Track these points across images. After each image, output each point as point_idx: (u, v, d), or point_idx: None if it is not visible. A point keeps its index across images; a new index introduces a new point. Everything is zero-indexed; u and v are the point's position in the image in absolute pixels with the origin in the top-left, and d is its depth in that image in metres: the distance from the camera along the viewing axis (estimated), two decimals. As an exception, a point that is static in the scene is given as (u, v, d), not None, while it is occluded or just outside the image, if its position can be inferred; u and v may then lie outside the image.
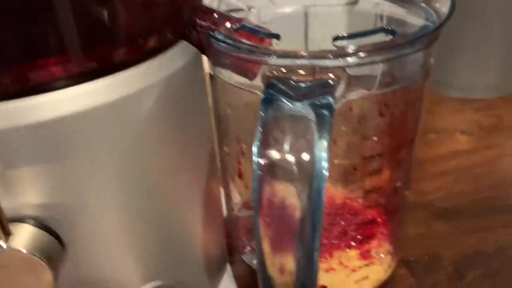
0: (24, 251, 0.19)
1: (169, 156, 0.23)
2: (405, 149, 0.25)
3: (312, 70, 0.21)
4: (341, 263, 0.29)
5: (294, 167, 0.19)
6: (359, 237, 0.28)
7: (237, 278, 0.32)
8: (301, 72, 0.21)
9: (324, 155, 0.19)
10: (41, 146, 0.19)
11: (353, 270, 0.29)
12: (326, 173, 0.19)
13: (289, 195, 0.20)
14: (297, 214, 0.20)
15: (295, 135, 0.20)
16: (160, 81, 0.21)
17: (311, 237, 0.20)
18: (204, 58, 0.25)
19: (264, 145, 0.20)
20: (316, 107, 0.20)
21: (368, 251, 0.28)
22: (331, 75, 0.21)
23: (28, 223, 0.20)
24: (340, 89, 0.21)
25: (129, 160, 0.21)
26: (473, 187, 0.42)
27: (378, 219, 0.27)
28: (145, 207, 0.23)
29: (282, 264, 0.22)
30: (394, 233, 0.30)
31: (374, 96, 0.26)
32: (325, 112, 0.20)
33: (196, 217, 0.26)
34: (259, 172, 0.20)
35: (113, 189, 0.21)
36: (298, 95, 0.20)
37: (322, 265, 0.29)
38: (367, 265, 0.29)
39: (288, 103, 0.20)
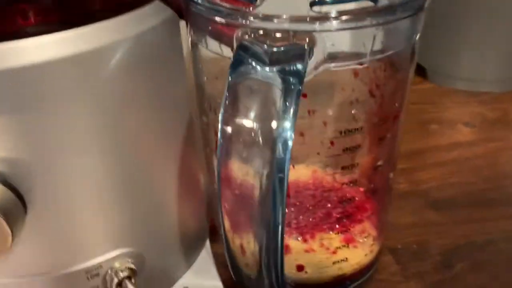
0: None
1: (143, 117, 0.23)
2: (388, 125, 0.24)
3: (288, 36, 0.20)
4: (322, 245, 0.29)
5: (259, 136, 0.19)
6: (342, 218, 0.27)
7: (217, 255, 0.31)
8: (278, 37, 0.20)
9: (288, 124, 0.18)
10: (6, 95, 0.19)
11: (334, 252, 0.29)
12: (290, 142, 0.18)
13: (251, 167, 0.19)
14: (257, 190, 0.19)
15: (262, 102, 0.19)
16: (131, 37, 0.21)
17: (273, 212, 0.19)
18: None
19: (230, 112, 0.19)
20: (284, 74, 0.19)
21: (348, 231, 0.28)
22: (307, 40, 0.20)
23: (-9, 179, 0.20)
24: (317, 58, 0.21)
25: (100, 116, 0.21)
26: (471, 178, 0.41)
27: (356, 198, 0.26)
28: (117, 171, 0.23)
29: (242, 244, 0.21)
30: (377, 216, 0.29)
31: (365, 75, 0.25)
32: (293, 79, 0.19)
33: (171, 186, 0.26)
34: (222, 140, 0.19)
35: (82, 148, 0.21)
36: (270, 60, 0.20)
37: (302, 246, 0.29)
38: (346, 246, 0.28)
39: (258, 67, 0.19)
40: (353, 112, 0.23)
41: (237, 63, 0.20)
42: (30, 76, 0.19)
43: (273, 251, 0.21)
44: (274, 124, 0.18)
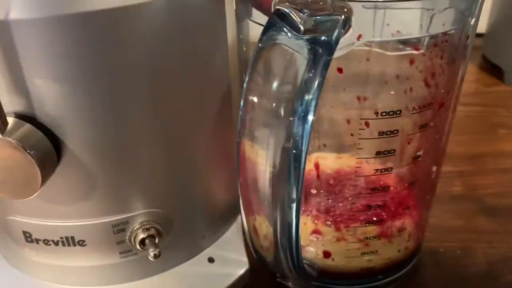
0: (17, 144, 0.20)
1: (183, 80, 0.23)
2: (431, 112, 0.23)
3: (326, 5, 0.20)
4: (354, 235, 0.28)
5: (280, 107, 0.18)
6: (377, 208, 0.26)
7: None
8: (316, 5, 0.20)
9: (309, 96, 0.18)
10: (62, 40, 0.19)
11: (365, 244, 0.28)
12: (310, 116, 0.18)
13: (267, 141, 0.18)
14: (270, 167, 0.19)
15: (287, 72, 0.18)
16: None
17: (287, 190, 0.19)
18: None
19: (253, 80, 0.19)
20: (315, 43, 0.18)
21: (383, 223, 0.26)
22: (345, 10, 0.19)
23: (30, 123, 0.21)
24: (358, 32, 0.20)
25: (142, 72, 0.21)
26: (534, 189, 0.38)
27: (392, 187, 0.25)
28: (153, 132, 0.23)
29: (255, 225, 0.21)
30: (416, 211, 0.27)
31: (420, 62, 0.24)
32: (322, 50, 0.18)
33: (207, 155, 0.26)
34: (243, 109, 0.19)
35: (120, 103, 0.22)
36: (304, 29, 0.19)
37: (333, 233, 0.28)
38: (378, 239, 0.27)
39: (289, 35, 0.19)
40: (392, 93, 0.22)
41: (268, 29, 0.19)
42: (84, 22, 0.19)
43: (288, 233, 0.20)
44: (294, 96, 0.18)
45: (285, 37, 0.19)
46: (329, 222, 0.28)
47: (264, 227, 0.21)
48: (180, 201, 0.26)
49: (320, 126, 0.23)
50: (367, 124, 0.22)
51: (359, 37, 0.20)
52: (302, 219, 0.27)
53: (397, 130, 0.22)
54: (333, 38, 0.19)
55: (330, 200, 0.27)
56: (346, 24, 0.19)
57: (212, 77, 0.25)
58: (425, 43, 0.23)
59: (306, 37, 0.19)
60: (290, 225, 0.20)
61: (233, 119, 0.27)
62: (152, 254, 0.24)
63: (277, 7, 0.20)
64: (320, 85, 0.18)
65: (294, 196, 0.19)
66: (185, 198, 0.26)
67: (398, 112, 0.22)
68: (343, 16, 0.19)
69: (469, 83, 0.53)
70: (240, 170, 0.20)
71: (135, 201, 0.25)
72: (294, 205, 0.19)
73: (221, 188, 0.29)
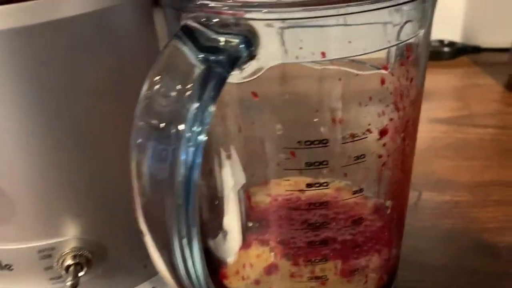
0: None
1: (106, 104, 0.22)
2: (369, 141, 0.20)
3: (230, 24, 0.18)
4: (312, 272, 0.25)
5: (168, 127, 0.16)
6: (320, 245, 0.24)
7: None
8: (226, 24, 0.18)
9: (197, 120, 0.16)
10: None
11: (322, 283, 0.25)
12: (201, 138, 0.16)
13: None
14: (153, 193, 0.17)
15: (179, 89, 0.17)
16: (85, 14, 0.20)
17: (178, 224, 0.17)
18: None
19: (146, 92, 0.17)
20: (210, 62, 0.17)
21: (339, 260, 0.24)
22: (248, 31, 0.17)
23: None
24: (263, 52, 0.18)
25: (57, 94, 0.21)
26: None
27: (333, 223, 0.22)
28: (76, 151, 0.22)
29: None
30: (373, 249, 0.24)
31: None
32: (216, 70, 0.16)
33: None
34: (134, 131, 0.17)
35: (34, 126, 0.21)
36: (206, 46, 0.17)
37: (289, 268, 0.25)
38: (336, 275, 0.24)
39: (189, 52, 0.17)
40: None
41: (171, 44, 0.18)
42: None
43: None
44: (182, 122, 0.16)
45: (185, 54, 0.17)
46: (288, 255, 0.25)
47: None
48: (113, 228, 0.25)
49: (245, 155, 0.21)
50: (292, 154, 0.20)
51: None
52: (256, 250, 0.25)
53: (327, 161, 0.20)
54: (229, 58, 0.17)
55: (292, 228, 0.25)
56: (249, 46, 0.17)
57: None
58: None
59: (202, 55, 0.17)
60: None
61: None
62: (68, 284, 0.23)
63: (185, 22, 0.18)
64: (204, 108, 0.16)
65: (184, 232, 0.17)
66: (119, 225, 0.25)
67: (324, 142, 0.19)
68: (245, 37, 0.17)
69: (489, 102, 0.49)
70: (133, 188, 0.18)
71: (61, 227, 0.24)
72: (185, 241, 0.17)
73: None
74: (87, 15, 0.20)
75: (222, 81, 0.17)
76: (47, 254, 0.24)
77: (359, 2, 0.18)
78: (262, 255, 0.26)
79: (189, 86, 0.16)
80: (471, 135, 0.44)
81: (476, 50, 0.58)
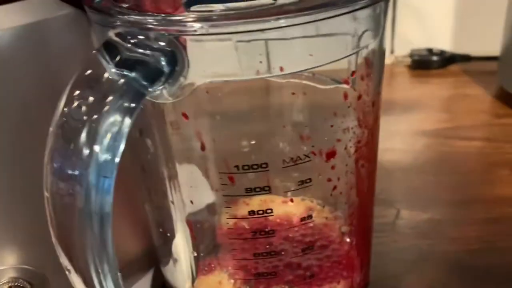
0: None
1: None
2: (313, 164, 0.18)
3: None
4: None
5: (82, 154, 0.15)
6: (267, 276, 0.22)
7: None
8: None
9: (112, 139, 0.15)
10: None
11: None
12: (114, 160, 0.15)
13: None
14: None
15: (93, 106, 0.15)
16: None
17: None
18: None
19: (63, 105, 0.16)
20: (128, 80, 0.15)
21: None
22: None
23: None
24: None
25: None
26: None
27: (282, 252, 0.20)
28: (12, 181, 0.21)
29: None
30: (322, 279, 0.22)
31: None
32: (131, 87, 0.15)
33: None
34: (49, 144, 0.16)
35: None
36: (128, 63, 0.16)
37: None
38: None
39: (108, 67, 0.16)
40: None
41: (90, 58, 0.16)
42: None
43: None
44: (92, 133, 0.15)
45: (104, 68, 0.16)
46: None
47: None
48: (55, 258, 0.23)
49: (181, 180, 0.20)
50: (231, 179, 0.18)
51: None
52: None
53: (268, 187, 0.18)
54: (148, 74, 0.15)
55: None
56: (172, 61, 0.16)
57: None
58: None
59: (120, 71, 0.16)
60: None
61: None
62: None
63: (109, 36, 0.17)
64: (120, 123, 0.15)
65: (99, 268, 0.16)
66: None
67: (264, 166, 0.18)
68: (167, 53, 0.16)
69: (477, 113, 0.47)
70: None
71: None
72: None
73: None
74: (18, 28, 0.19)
75: (139, 97, 0.15)
76: (-19, 285, 0.22)
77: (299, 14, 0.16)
78: (223, 282, 0.24)
79: (105, 100, 0.15)
80: (456, 148, 0.42)
81: (466, 58, 0.56)
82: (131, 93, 0.15)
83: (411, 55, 0.56)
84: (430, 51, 0.57)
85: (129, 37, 0.16)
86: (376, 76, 0.20)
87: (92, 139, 0.15)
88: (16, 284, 0.22)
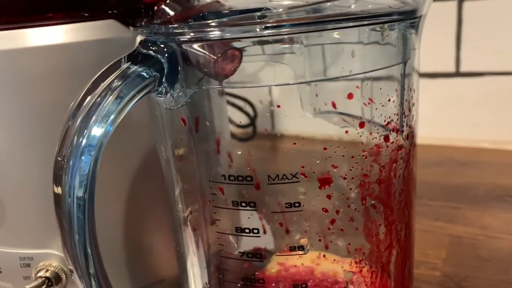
0: None
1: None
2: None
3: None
4: None
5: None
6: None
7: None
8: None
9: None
10: None
11: None
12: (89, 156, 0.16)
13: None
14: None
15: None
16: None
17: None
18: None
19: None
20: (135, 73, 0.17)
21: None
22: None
23: None
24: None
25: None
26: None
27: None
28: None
29: None
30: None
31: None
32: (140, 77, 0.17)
33: (126, 207, 0.25)
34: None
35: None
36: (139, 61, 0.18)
37: None
38: None
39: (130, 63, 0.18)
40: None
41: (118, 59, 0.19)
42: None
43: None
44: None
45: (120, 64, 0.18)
46: None
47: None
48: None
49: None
50: (220, 190, 0.19)
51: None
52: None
53: (254, 203, 0.18)
54: (153, 71, 0.17)
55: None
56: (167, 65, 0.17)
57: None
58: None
59: (138, 67, 0.18)
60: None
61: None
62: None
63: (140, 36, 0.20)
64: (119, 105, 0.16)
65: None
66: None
67: (248, 179, 0.18)
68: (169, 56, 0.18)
69: None
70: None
71: (39, 238, 0.25)
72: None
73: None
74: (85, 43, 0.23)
75: (140, 88, 0.17)
76: (26, 263, 0.25)
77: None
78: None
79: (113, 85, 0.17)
80: None
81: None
82: (134, 83, 0.17)
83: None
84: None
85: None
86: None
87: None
88: (54, 270, 0.25)
